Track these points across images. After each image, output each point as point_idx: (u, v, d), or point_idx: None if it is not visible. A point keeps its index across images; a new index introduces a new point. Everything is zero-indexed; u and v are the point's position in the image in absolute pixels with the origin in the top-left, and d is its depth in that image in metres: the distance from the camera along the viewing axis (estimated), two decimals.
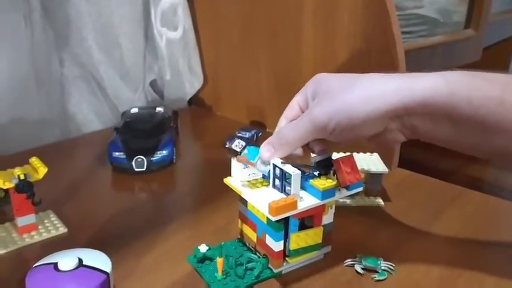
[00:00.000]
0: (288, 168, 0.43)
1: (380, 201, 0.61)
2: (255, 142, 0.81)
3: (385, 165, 0.61)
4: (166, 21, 0.90)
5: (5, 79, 0.73)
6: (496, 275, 0.47)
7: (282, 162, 0.44)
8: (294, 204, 0.42)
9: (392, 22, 0.63)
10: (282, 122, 0.47)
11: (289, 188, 0.43)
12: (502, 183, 1.27)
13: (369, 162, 0.61)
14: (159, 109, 0.79)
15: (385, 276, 0.47)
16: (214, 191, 0.62)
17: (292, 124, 0.44)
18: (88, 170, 0.70)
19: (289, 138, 0.44)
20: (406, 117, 0.42)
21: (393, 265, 0.48)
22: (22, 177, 0.50)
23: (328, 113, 0.41)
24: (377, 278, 0.46)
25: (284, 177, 0.44)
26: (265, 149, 0.45)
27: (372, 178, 0.60)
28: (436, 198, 0.63)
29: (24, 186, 0.50)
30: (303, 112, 0.46)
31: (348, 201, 0.60)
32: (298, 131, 0.43)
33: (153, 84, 0.97)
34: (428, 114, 0.41)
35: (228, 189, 0.47)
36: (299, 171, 0.43)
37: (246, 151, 0.47)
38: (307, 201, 0.44)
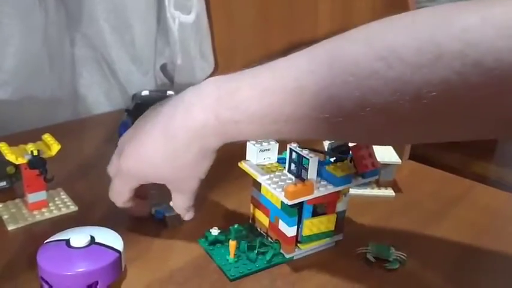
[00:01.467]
0: (306, 153, 0.43)
1: (391, 192, 0.60)
2: None
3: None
4: (180, 4, 0.89)
5: (18, 57, 0.72)
6: (510, 266, 0.47)
7: (299, 147, 0.44)
8: (310, 189, 0.42)
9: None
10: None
11: (305, 173, 0.43)
12: (506, 181, 1.26)
13: (382, 152, 0.60)
14: (170, 93, 0.78)
15: (397, 266, 0.46)
16: (224, 176, 0.61)
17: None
18: (98, 150, 0.70)
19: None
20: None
21: (405, 255, 0.47)
22: (35, 153, 0.49)
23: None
24: (389, 267, 0.46)
25: (301, 162, 0.44)
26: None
27: (385, 169, 0.60)
28: (447, 190, 0.63)
29: (38, 162, 0.49)
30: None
31: (360, 191, 0.60)
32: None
33: (163, 68, 0.96)
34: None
35: (239, 174, 0.47)
36: (317, 157, 0.42)
37: None
38: (323, 186, 0.43)
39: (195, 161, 0.42)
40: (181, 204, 0.47)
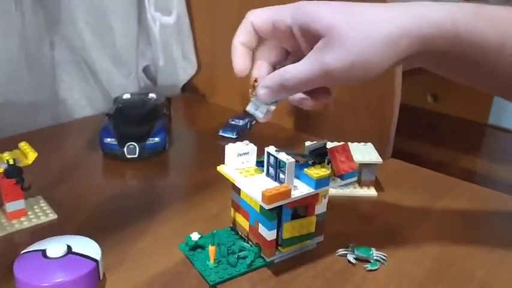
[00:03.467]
0: (282, 156, 0.43)
1: (373, 191, 0.60)
2: (248, 131, 0.80)
3: (379, 155, 0.60)
4: (160, 5, 0.88)
5: None
6: (488, 265, 0.48)
7: (276, 151, 0.44)
8: (287, 193, 0.41)
9: None
10: (238, 48, 0.42)
11: (283, 177, 0.43)
12: (494, 176, 1.27)
13: (363, 152, 0.61)
14: (152, 95, 0.78)
15: (377, 266, 0.46)
16: (207, 179, 0.61)
17: (299, 69, 0.39)
18: (79, 156, 0.69)
19: (293, 85, 0.39)
20: (412, 58, 0.40)
21: (385, 255, 0.48)
22: (11, 162, 0.49)
23: (345, 67, 0.37)
24: (369, 268, 0.46)
25: (278, 166, 0.43)
26: (262, 92, 0.41)
27: (366, 168, 0.60)
28: (429, 189, 0.63)
29: (13, 172, 0.49)
30: (274, 32, 0.41)
31: (341, 191, 0.60)
32: (306, 80, 0.38)
33: (145, 70, 0.95)
34: (430, 53, 0.39)
35: (221, 177, 0.47)
36: (293, 160, 0.42)
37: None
38: (300, 190, 0.43)
39: (392, 41, 0.37)
40: (310, 71, 0.38)
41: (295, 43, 0.41)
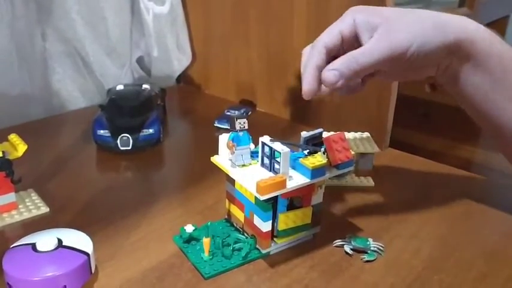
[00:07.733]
0: (277, 146, 0.42)
1: (371, 181, 0.60)
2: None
3: (376, 145, 0.59)
4: None
5: None
6: (486, 255, 0.47)
7: (270, 140, 0.43)
8: (282, 183, 0.40)
9: None
10: (319, 47, 0.44)
11: (278, 167, 0.42)
12: (491, 165, 1.27)
13: (360, 142, 0.60)
14: (146, 86, 0.76)
15: (375, 257, 0.46)
16: (202, 170, 0.60)
17: (366, 48, 0.43)
18: (72, 148, 0.68)
19: (362, 63, 0.42)
20: (455, 57, 0.45)
21: (382, 246, 0.47)
22: (0, 154, 0.48)
23: (409, 38, 0.42)
24: (366, 259, 0.46)
25: (273, 156, 0.42)
26: (331, 74, 0.43)
27: (363, 158, 0.59)
28: (427, 178, 0.62)
29: (3, 164, 0.48)
30: (342, 43, 0.45)
31: (338, 181, 0.59)
32: (372, 56, 0.42)
33: (139, 61, 0.94)
34: (470, 58, 0.44)
35: (217, 168, 0.46)
36: (288, 150, 0.41)
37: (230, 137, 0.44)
38: (296, 180, 0.42)
39: (440, 26, 0.43)
40: (364, 60, 0.42)
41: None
